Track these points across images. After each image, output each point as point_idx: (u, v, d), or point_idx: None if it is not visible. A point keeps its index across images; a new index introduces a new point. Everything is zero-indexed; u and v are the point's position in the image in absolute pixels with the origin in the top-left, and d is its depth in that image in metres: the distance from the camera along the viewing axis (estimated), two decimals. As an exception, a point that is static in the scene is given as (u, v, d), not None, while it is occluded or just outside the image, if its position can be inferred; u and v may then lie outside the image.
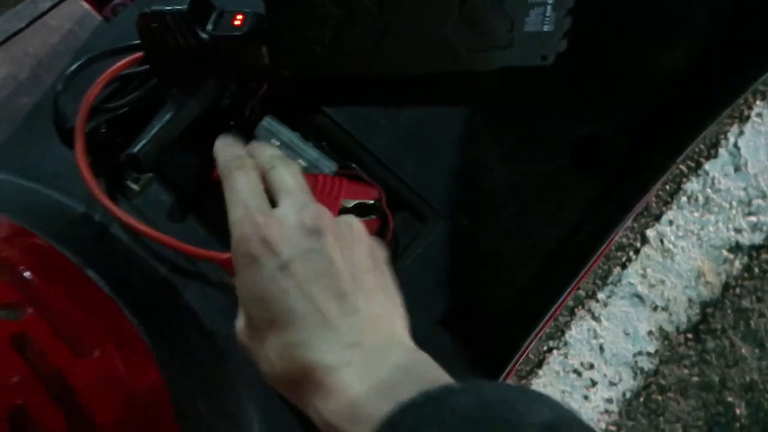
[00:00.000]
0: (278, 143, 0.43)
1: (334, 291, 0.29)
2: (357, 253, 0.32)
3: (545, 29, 0.37)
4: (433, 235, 0.42)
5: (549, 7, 0.36)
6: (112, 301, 0.34)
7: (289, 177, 0.34)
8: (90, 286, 0.34)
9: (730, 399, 0.81)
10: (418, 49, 0.39)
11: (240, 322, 0.32)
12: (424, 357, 0.29)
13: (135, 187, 0.43)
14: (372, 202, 0.43)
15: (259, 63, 0.40)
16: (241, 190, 0.32)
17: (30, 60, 0.42)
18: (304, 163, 0.43)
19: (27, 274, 0.31)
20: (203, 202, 0.43)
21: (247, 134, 0.43)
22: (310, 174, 0.42)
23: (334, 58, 0.39)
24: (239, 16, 0.39)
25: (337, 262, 0.30)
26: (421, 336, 0.31)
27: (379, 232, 0.43)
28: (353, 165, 0.44)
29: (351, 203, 0.42)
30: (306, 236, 0.30)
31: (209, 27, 0.39)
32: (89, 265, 0.35)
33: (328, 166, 0.43)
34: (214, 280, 0.41)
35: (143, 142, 0.39)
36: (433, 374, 0.28)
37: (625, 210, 0.41)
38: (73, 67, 0.39)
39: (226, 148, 0.36)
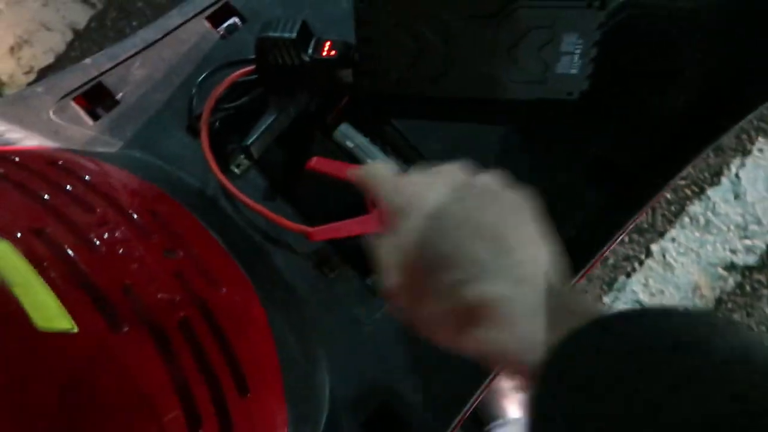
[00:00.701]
0: (352, 145, 0.54)
1: (490, 234, 0.30)
2: (504, 198, 0.33)
3: (572, 72, 0.47)
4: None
5: (577, 56, 0.46)
6: (227, 254, 0.45)
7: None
8: (213, 242, 0.45)
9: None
10: (472, 78, 0.49)
11: (390, 280, 0.32)
12: (578, 292, 0.33)
13: (237, 171, 0.54)
14: (424, 197, 0.53)
15: (344, 81, 0.51)
16: (383, 167, 0.37)
17: (163, 65, 0.53)
18: (372, 162, 0.54)
19: (174, 227, 0.42)
20: (290, 187, 0.54)
21: (327, 136, 0.54)
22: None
23: (406, 80, 0.49)
24: (331, 44, 0.50)
25: (487, 208, 0.31)
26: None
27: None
28: (410, 167, 0.55)
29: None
30: (455, 186, 0.32)
31: (310, 51, 0.50)
32: (210, 227, 0.46)
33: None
34: (295, 248, 0.52)
35: (254, 136, 0.50)
36: (592, 307, 0.28)
37: (625, 220, 0.50)
38: (204, 74, 0.51)
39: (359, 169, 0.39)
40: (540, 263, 0.30)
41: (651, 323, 0.23)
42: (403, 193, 0.33)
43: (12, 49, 1.06)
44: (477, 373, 0.48)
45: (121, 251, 0.37)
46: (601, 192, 0.52)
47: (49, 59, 1.07)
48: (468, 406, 0.47)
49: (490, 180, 0.34)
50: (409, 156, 0.55)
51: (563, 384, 0.24)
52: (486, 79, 0.49)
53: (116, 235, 0.37)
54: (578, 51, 0.46)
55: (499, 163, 0.55)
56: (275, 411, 0.39)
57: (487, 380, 0.48)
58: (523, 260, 0.30)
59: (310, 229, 0.49)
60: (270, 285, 0.48)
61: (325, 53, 0.49)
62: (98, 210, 0.38)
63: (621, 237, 0.49)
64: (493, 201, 0.32)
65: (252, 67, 0.50)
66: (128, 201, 0.41)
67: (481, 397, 0.48)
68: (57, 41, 1.06)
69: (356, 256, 0.51)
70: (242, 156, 0.52)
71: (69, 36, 1.06)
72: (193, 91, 0.50)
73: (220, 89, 0.51)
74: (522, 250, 0.30)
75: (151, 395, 0.30)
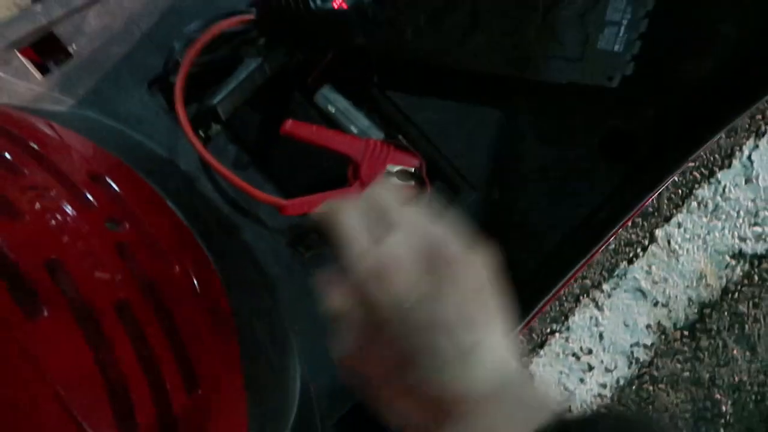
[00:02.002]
0: (334, 110, 0.48)
1: (458, 332, 0.29)
2: (470, 289, 0.30)
3: (615, 49, 0.41)
4: (465, 204, 0.47)
5: (623, 28, 0.40)
6: (187, 228, 0.39)
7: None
8: (169, 213, 0.39)
9: (717, 396, 0.86)
10: (498, 47, 0.43)
11: (348, 344, 0.31)
12: (536, 388, 0.30)
13: (202, 135, 0.48)
14: (413, 169, 0.48)
15: (352, 39, 0.45)
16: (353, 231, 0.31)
17: (123, 14, 0.47)
18: (355, 130, 0.48)
19: (123, 196, 0.37)
20: (264, 155, 0.48)
21: (308, 99, 0.49)
22: (362, 138, 0.47)
23: (421, 42, 0.43)
24: None
25: (454, 304, 0.29)
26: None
27: (416, 197, 0.48)
28: (399, 136, 0.49)
29: (395, 168, 0.47)
30: (422, 275, 0.29)
31: (318, 1, 0.43)
32: (168, 197, 0.41)
33: (377, 134, 0.48)
34: (267, 223, 0.46)
35: (222, 95, 0.44)
36: (543, 401, 0.28)
37: (641, 198, 0.45)
38: (193, 27, 0.44)
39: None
40: (501, 351, 0.30)
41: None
42: (369, 269, 0.30)
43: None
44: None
45: (51, 221, 0.31)
46: (616, 168, 0.47)
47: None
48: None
49: (454, 252, 0.31)
50: (399, 124, 0.49)
51: None
52: (515, 50, 0.42)
53: (46, 202, 0.32)
54: (625, 21, 0.40)
55: (503, 138, 0.50)
56: (231, 410, 0.34)
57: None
58: (487, 351, 0.29)
59: (283, 202, 0.43)
60: (236, 263, 0.42)
61: (336, 5, 0.43)
62: (26, 171, 0.32)
63: (633, 217, 0.43)
64: (456, 287, 0.30)
65: (241, 17, 0.44)
66: (68, 164, 0.36)
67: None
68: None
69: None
70: (210, 119, 0.46)
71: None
72: (177, 47, 0.44)
73: (201, 41, 0.44)
74: (487, 336, 0.29)
75: (70, 397, 0.25)
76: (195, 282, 0.36)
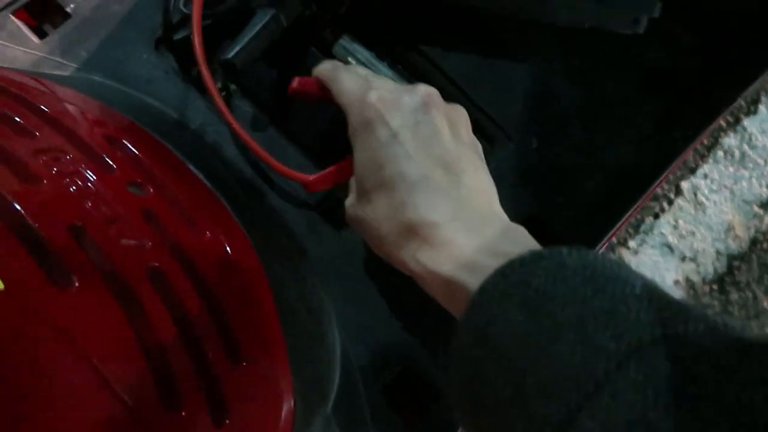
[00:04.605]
0: (354, 62, 0.45)
1: (440, 161, 0.31)
2: (462, 133, 0.34)
3: None
4: (503, 155, 0.44)
5: None
6: (212, 192, 0.37)
7: (388, 78, 0.37)
8: (193, 177, 0.36)
9: (748, 349, 0.84)
10: None
11: (350, 198, 0.34)
12: (522, 230, 0.30)
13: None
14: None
15: None
16: (349, 78, 0.35)
17: (123, -32, 0.44)
18: (380, 82, 0.45)
19: (143, 158, 0.34)
20: (283, 115, 0.45)
21: (326, 53, 0.45)
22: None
23: None
24: None
25: (444, 136, 0.32)
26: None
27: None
28: (427, 86, 0.46)
29: (425, 121, 0.44)
30: (416, 109, 0.33)
31: None
32: (188, 160, 0.38)
33: (403, 86, 0.45)
34: (295, 189, 0.44)
35: (237, 48, 0.40)
36: (533, 241, 0.29)
37: (690, 138, 0.42)
38: None
39: (324, 64, 0.39)
40: (482, 197, 0.32)
41: (582, 257, 0.24)
42: (367, 110, 0.33)
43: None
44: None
45: (70, 187, 0.28)
46: (659, 107, 0.43)
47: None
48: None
49: (452, 109, 0.35)
50: (426, 74, 0.46)
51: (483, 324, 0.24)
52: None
53: (63, 166, 0.29)
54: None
55: (536, 83, 0.47)
56: (278, 379, 0.31)
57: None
58: (466, 191, 0.31)
59: (307, 179, 0.39)
60: (264, 229, 0.40)
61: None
62: (38, 134, 0.29)
63: (682, 160, 0.41)
64: (452, 131, 0.33)
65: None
66: (81, 126, 0.33)
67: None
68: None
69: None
70: (224, 78, 0.43)
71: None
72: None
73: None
74: (467, 177, 0.32)
75: (109, 369, 0.23)
76: (227, 248, 0.34)
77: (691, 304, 0.22)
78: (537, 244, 0.29)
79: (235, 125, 0.39)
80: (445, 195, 0.30)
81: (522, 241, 0.29)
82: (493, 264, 0.25)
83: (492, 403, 0.23)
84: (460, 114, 0.35)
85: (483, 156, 0.36)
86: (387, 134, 0.32)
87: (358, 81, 0.35)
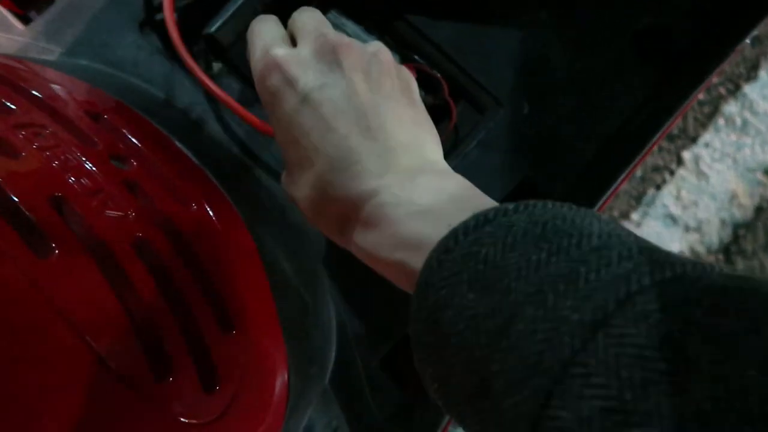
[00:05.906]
0: (342, 35, 0.45)
1: (357, 122, 0.27)
2: (383, 83, 0.29)
3: None
4: (494, 121, 0.43)
5: None
6: (200, 169, 0.36)
7: (308, 19, 0.32)
8: (180, 153, 0.36)
9: (756, 318, 0.84)
10: None
11: (283, 175, 0.32)
12: (461, 180, 0.27)
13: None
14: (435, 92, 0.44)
15: None
16: (261, 33, 0.32)
17: (103, -51, 0.43)
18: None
19: (126, 133, 0.33)
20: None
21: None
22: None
23: None
24: None
25: (361, 93, 0.28)
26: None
27: (441, 120, 0.44)
28: (416, 57, 0.45)
29: (415, 91, 0.44)
30: (323, 67, 0.28)
31: None
32: (174, 136, 0.37)
33: (392, 56, 0.44)
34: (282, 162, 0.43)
35: (219, 22, 0.40)
36: (477, 197, 0.26)
37: (682, 99, 0.42)
38: None
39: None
40: (411, 151, 0.28)
41: (531, 215, 0.21)
42: (270, 73, 0.29)
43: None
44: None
45: (52, 161, 0.28)
46: (652, 71, 0.43)
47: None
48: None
49: (370, 57, 0.30)
50: (416, 44, 0.46)
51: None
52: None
53: (43, 141, 0.29)
54: None
55: (527, 49, 0.46)
56: (270, 349, 0.31)
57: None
58: (390, 151, 0.27)
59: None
60: (255, 204, 0.39)
61: None
62: (15, 108, 0.29)
63: (672, 126, 0.40)
64: (370, 85, 0.29)
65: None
66: (61, 102, 0.33)
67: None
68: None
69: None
70: (207, 54, 0.42)
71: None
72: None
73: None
74: (391, 132, 0.27)
75: (94, 334, 0.22)
76: (214, 218, 0.33)
77: (659, 248, 0.19)
78: (486, 201, 0.25)
79: (219, 92, 0.39)
80: (365, 163, 0.26)
81: (468, 200, 0.25)
82: (435, 236, 0.22)
83: (462, 399, 0.20)
84: (379, 58, 0.30)
85: (417, 97, 0.31)
86: (295, 101, 0.28)
87: (269, 34, 0.31)
